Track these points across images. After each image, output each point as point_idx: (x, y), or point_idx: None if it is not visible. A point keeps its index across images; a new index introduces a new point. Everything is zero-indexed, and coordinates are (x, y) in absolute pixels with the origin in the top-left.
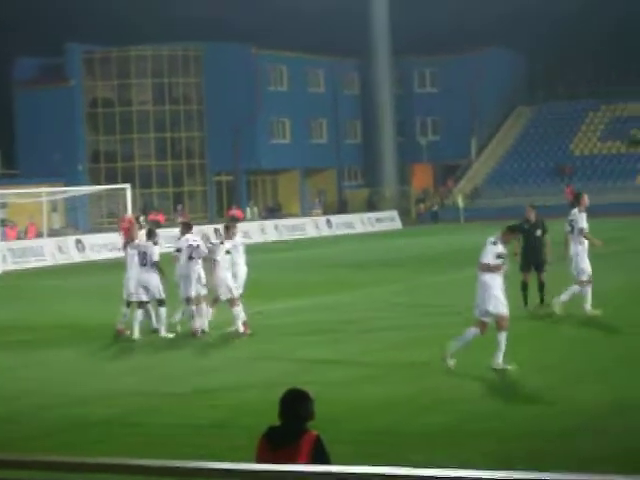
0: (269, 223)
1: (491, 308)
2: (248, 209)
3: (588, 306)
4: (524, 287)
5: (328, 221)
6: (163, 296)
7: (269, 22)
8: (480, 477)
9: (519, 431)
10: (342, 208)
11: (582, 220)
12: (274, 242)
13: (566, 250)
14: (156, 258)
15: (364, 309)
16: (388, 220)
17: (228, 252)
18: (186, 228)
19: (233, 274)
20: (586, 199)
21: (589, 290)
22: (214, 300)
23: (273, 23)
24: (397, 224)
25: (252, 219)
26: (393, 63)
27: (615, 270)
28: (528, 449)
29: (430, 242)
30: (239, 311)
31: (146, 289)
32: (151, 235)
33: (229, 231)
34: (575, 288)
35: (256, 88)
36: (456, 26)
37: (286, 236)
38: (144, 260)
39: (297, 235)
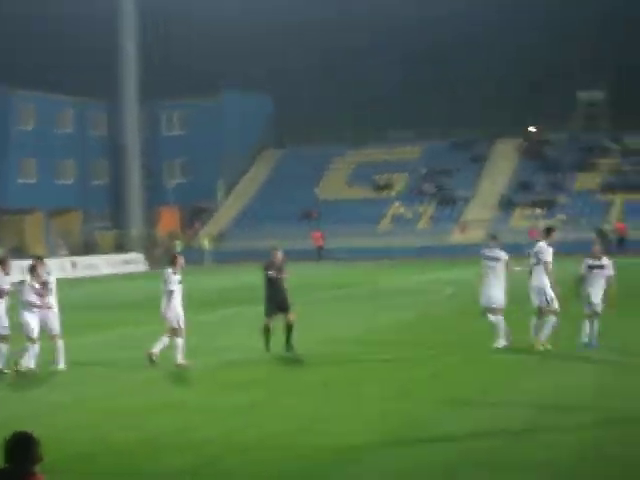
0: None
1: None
2: None
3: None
4: (267, 331)
5: (73, 263)
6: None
7: (23, 61)
8: None
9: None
10: (88, 249)
11: (548, 253)
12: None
13: (531, 281)
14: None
15: (113, 349)
16: (134, 262)
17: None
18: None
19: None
20: (555, 234)
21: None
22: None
23: (27, 62)
24: (143, 266)
25: None
26: (141, 104)
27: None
28: None
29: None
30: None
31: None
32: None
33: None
34: (552, 319)
35: (6, 127)
36: (203, 69)
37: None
38: None
39: None
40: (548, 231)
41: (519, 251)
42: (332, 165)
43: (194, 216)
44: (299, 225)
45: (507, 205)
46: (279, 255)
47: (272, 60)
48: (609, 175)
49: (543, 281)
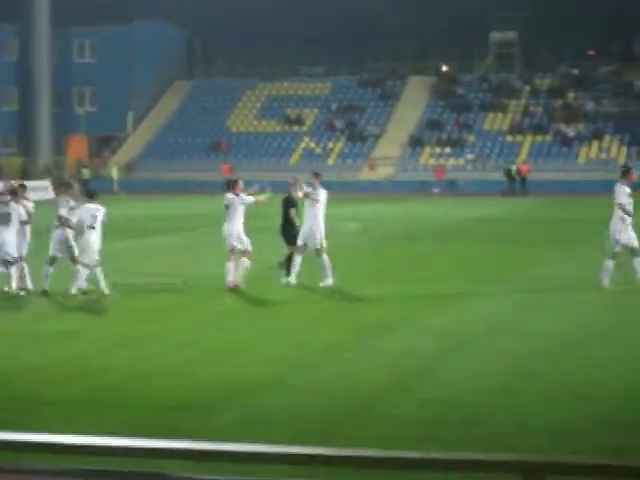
0: None
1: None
2: None
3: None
4: (288, 259)
5: None
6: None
7: None
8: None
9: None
10: None
11: (623, 194)
12: None
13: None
14: None
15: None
16: (41, 190)
17: None
18: None
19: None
20: (634, 175)
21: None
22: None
23: None
24: (50, 194)
25: None
26: (53, 31)
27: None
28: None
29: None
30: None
31: None
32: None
33: None
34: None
35: None
36: None
37: None
38: None
39: None
40: (625, 172)
41: (426, 189)
42: (243, 98)
43: (103, 145)
44: (208, 157)
45: (416, 143)
46: (297, 187)
47: None
48: (518, 116)
49: (616, 224)
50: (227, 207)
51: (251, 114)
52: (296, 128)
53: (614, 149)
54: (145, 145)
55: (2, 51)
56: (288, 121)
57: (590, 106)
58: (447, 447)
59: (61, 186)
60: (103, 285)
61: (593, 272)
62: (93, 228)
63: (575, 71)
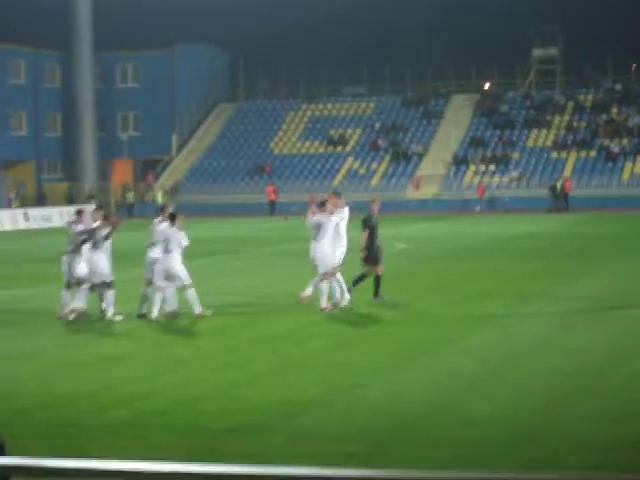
0: None
1: None
2: None
3: None
4: (362, 278)
5: (25, 214)
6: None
7: None
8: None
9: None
10: (41, 201)
11: None
12: None
13: None
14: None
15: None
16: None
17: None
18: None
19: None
20: None
21: None
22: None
23: None
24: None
25: None
26: (95, 57)
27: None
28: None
29: (130, 237)
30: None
31: None
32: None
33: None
34: None
35: None
36: (159, 23)
37: None
38: None
39: None
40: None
41: (468, 207)
42: (286, 119)
43: (147, 169)
44: (252, 180)
45: (460, 162)
46: (375, 206)
47: (227, 14)
48: (562, 132)
49: None
50: (317, 227)
51: (294, 136)
52: (339, 149)
53: None
54: (189, 168)
55: (45, 78)
56: (331, 142)
57: (634, 121)
58: (496, 467)
59: (161, 212)
60: (196, 306)
61: (634, 287)
62: (174, 250)
63: (618, 86)
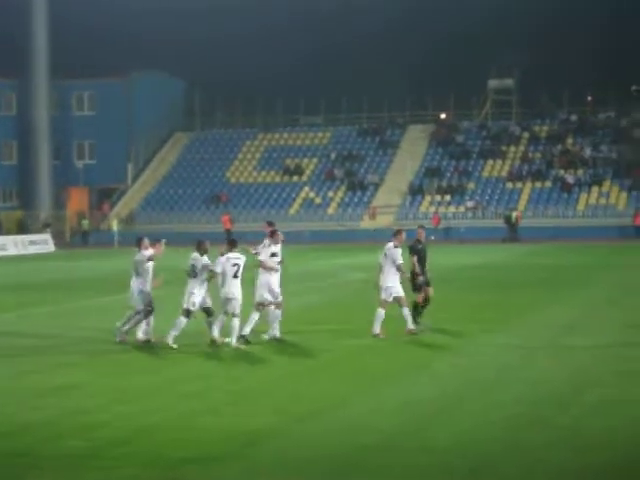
0: None
1: None
2: None
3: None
4: (416, 306)
5: None
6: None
7: None
8: None
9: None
10: None
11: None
12: None
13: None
14: None
15: (19, 331)
16: (42, 243)
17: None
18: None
19: None
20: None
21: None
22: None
23: None
24: (50, 247)
25: None
26: (51, 85)
27: None
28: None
29: (85, 265)
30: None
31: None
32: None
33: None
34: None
35: None
36: (113, 49)
37: None
38: None
39: None
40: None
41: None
42: (242, 149)
43: (103, 197)
44: (208, 209)
45: (416, 191)
46: (423, 233)
47: (185, 44)
48: (517, 162)
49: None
50: (385, 255)
51: (250, 165)
52: (295, 178)
53: (614, 195)
54: (145, 197)
55: (1, 106)
56: (287, 171)
57: (589, 152)
58: None
59: (230, 242)
60: (247, 331)
61: (594, 316)
62: (236, 277)
63: (574, 117)
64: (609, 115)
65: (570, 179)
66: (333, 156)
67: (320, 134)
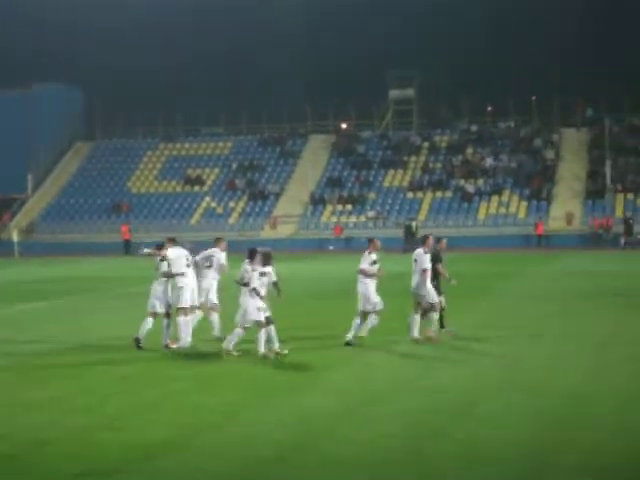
0: None
1: None
2: None
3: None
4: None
5: None
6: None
7: None
8: None
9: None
10: None
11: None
12: None
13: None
14: None
15: None
16: None
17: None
18: None
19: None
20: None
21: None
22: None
23: None
24: None
25: None
26: None
27: None
28: None
29: None
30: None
31: None
32: None
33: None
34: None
35: None
36: (12, 61)
37: None
38: None
39: None
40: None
41: (324, 246)
42: (143, 159)
43: (3, 208)
44: (110, 218)
45: (317, 201)
46: (443, 243)
47: (84, 54)
48: (418, 172)
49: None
50: (415, 261)
51: (152, 175)
52: (197, 188)
53: (514, 204)
54: (45, 207)
55: None
56: (189, 181)
57: (489, 162)
58: None
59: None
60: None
61: (494, 325)
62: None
63: (474, 127)
64: (509, 125)
65: (470, 189)
66: (234, 166)
67: (221, 144)
